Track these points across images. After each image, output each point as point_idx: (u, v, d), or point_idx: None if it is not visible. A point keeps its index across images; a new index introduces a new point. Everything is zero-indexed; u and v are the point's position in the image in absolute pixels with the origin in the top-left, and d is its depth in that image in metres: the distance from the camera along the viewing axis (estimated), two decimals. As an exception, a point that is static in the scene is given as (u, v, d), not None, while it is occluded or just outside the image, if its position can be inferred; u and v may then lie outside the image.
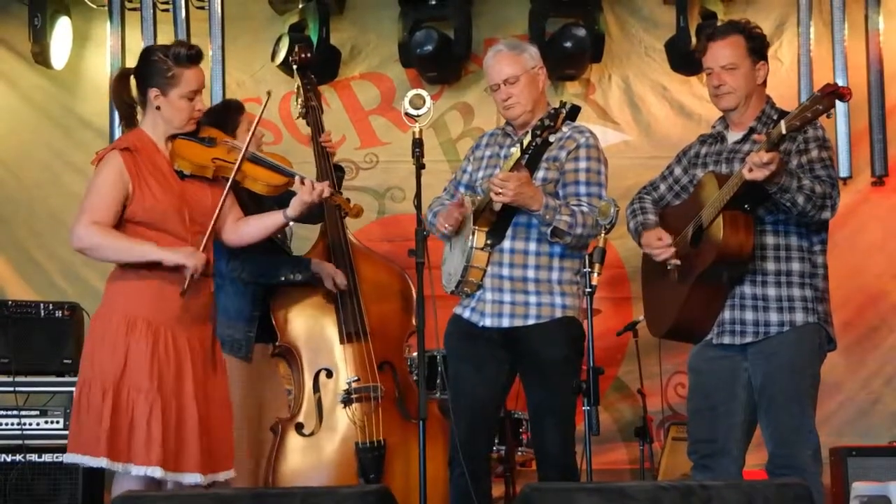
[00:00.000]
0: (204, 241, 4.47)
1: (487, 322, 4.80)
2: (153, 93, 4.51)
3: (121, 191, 4.43)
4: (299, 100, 5.82)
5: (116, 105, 4.74)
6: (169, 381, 4.40)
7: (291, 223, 4.79)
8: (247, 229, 4.70)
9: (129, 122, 4.67)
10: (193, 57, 4.54)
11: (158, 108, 4.53)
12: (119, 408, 4.35)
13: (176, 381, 4.42)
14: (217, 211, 4.51)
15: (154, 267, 4.44)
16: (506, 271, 4.79)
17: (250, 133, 4.73)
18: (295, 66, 5.86)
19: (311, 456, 5.43)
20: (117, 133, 6.90)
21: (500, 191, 4.57)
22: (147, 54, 4.63)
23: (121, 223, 4.46)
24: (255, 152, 4.72)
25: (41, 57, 7.01)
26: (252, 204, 4.90)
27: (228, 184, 4.55)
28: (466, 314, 4.87)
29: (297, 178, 4.66)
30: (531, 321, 4.77)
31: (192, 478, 4.39)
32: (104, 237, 4.40)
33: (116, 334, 4.41)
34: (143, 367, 4.37)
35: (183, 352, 4.45)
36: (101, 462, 4.35)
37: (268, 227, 4.72)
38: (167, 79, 4.49)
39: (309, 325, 5.60)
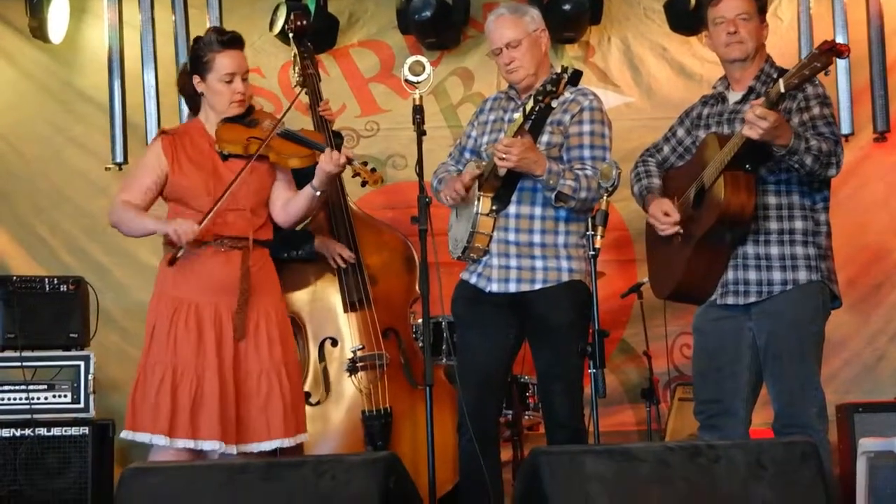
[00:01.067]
0: (210, 214, 4.58)
1: (494, 287, 4.81)
2: (196, 80, 4.76)
3: (156, 172, 4.70)
4: (296, 68, 5.82)
5: (185, 99, 5.02)
6: (186, 352, 4.53)
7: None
8: (291, 208, 4.83)
9: (196, 110, 4.91)
10: (226, 42, 4.73)
11: (202, 93, 4.76)
12: (144, 381, 4.53)
13: (195, 352, 4.54)
14: (232, 181, 4.62)
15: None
16: (512, 236, 4.79)
17: (284, 111, 4.81)
18: (291, 35, 5.86)
19: (318, 425, 5.45)
20: (117, 106, 6.93)
21: (504, 156, 4.57)
22: (192, 45, 4.87)
23: (165, 200, 4.78)
24: (289, 128, 4.81)
25: (39, 31, 6.97)
26: None
27: (252, 158, 4.66)
28: (473, 280, 4.88)
29: (325, 149, 4.73)
30: (538, 286, 4.78)
31: (208, 444, 4.48)
32: (122, 213, 4.70)
33: (150, 315, 4.66)
34: (161, 340, 4.56)
35: (206, 323, 4.58)
36: (126, 434, 4.56)
37: (306, 202, 4.80)
38: (204, 64, 4.71)
39: (312, 294, 5.63)
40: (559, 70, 4.46)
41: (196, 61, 4.73)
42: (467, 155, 5.05)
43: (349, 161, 4.72)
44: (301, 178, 4.90)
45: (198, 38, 4.85)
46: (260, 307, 4.68)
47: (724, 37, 4.67)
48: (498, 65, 4.96)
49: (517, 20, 4.86)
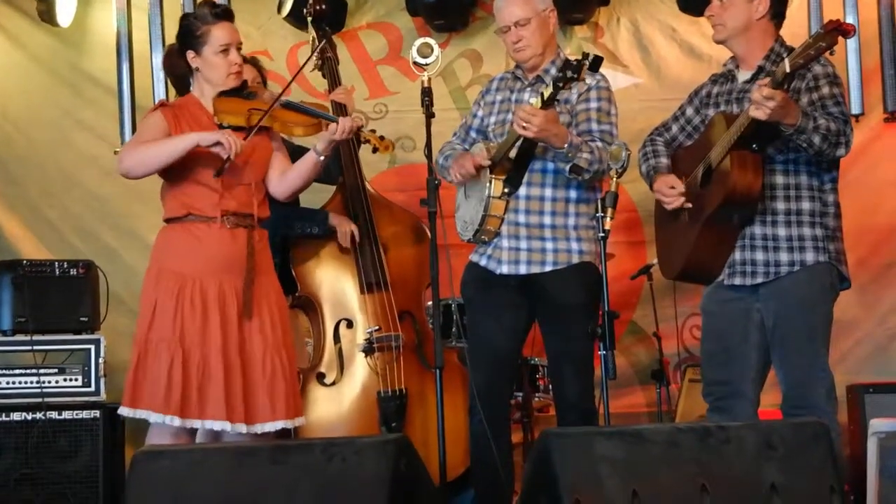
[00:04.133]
0: (254, 131, 4.62)
1: (504, 269, 4.81)
2: (190, 55, 4.71)
3: (162, 133, 4.63)
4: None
5: (170, 79, 5.04)
6: (192, 331, 4.52)
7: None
8: (290, 176, 4.80)
9: (183, 93, 4.89)
10: (220, 14, 4.72)
11: (197, 68, 4.72)
12: (147, 358, 4.50)
13: (201, 331, 4.53)
14: (254, 128, 4.62)
15: (186, 219, 4.61)
16: (522, 218, 4.79)
17: (289, 83, 4.84)
18: (310, 18, 5.87)
19: (333, 405, 5.49)
20: (126, 90, 6.92)
21: (525, 124, 4.52)
22: (180, 22, 4.83)
23: (162, 172, 4.67)
24: (290, 99, 4.79)
25: (47, 15, 6.98)
26: None
27: (256, 125, 4.63)
28: (483, 262, 4.88)
29: (332, 119, 4.73)
30: (548, 267, 4.78)
31: (217, 425, 4.48)
32: (143, 147, 4.62)
33: (149, 288, 4.60)
34: (167, 317, 4.52)
35: (211, 301, 4.56)
36: (124, 411, 4.53)
37: (306, 169, 4.78)
38: (198, 38, 4.68)
39: (329, 275, 5.65)
40: (567, 54, 4.46)
41: (189, 36, 4.70)
42: (473, 134, 5.05)
43: (359, 128, 4.72)
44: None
45: (186, 15, 4.86)
46: (261, 287, 4.67)
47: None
48: (505, 43, 4.95)
49: (527, -1, 4.85)
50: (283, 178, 4.79)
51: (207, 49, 4.67)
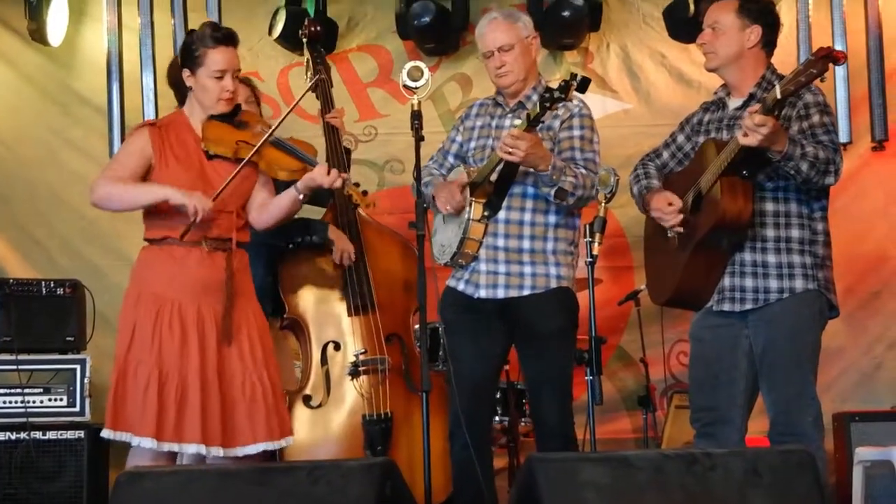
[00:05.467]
0: (221, 191, 4.56)
1: (482, 293, 4.80)
2: (185, 73, 4.68)
3: (142, 160, 4.60)
4: (309, 73, 5.84)
5: (173, 90, 4.90)
6: (171, 353, 4.48)
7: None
8: (270, 208, 4.75)
9: (182, 103, 4.84)
10: (220, 38, 4.65)
11: (191, 88, 4.68)
12: (126, 380, 4.46)
13: (179, 354, 4.49)
14: (224, 184, 4.56)
15: (165, 242, 4.58)
16: (500, 242, 4.79)
17: (279, 120, 4.79)
18: (305, 40, 5.89)
19: (318, 428, 5.47)
20: (115, 110, 6.93)
21: (511, 150, 4.54)
22: (185, 38, 4.79)
23: None
24: (280, 138, 4.74)
25: (38, 34, 6.98)
26: None
27: (242, 163, 4.60)
28: (461, 286, 4.87)
29: (316, 165, 4.68)
30: (526, 292, 4.78)
31: (191, 448, 4.45)
32: (116, 185, 4.59)
33: (128, 310, 4.56)
34: (145, 339, 4.49)
35: (189, 324, 4.52)
36: (107, 433, 4.48)
37: (286, 204, 4.73)
38: (195, 58, 4.63)
39: (317, 297, 5.64)
40: (556, 79, 4.46)
41: (187, 55, 4.65)
42: (451, 160, 5.06)
43: (343, 182, 4.67)
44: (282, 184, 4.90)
45: (192, 32, 4.77)
46: (241, 310, 4.64)
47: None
48: (487, 68, 4.97)
49: (510, 25, 4.86)
50: (264, 209, 4.75)
51: (202, 71, 4.62)
